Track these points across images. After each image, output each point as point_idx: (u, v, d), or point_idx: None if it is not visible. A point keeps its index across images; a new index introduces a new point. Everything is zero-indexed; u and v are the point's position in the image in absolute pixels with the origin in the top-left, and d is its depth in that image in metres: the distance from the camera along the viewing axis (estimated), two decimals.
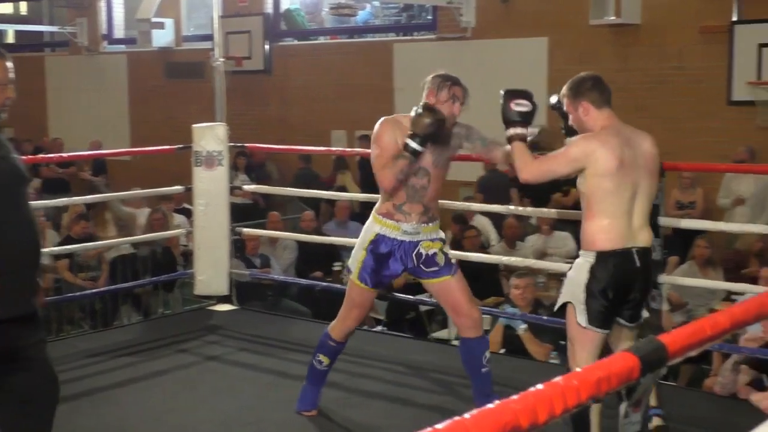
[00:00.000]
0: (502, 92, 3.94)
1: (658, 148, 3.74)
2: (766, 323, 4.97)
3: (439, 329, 7.09)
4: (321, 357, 4.41)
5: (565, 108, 3.82)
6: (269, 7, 12.88)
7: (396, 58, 11.69)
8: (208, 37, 7.37)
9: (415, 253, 4.10)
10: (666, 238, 5.45)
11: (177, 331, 5.95)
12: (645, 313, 3.80)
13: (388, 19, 12.57)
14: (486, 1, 10.69)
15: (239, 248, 7.51)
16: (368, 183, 9.88)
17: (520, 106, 3.83)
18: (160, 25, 13.27)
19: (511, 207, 7.53)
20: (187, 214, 8.64)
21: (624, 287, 3.61)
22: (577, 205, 9.65)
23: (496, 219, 8.83)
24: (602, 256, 3.59)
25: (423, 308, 7.12)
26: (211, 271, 6.34)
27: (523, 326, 5.88)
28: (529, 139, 3.86)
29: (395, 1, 11.96)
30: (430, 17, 11.67)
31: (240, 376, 5.12)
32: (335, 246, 8.05)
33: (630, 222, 3.61)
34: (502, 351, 6.05)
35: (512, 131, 3.84)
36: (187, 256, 7.72)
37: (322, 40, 13.05)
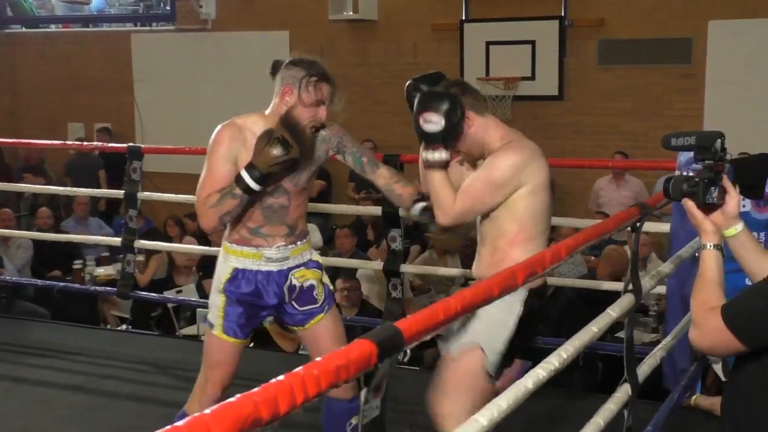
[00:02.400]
0: (416, 94, 2.96)
1: None
2: None
3: (187, 326, 6.99)
4: None
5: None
6: None
7: (134, 49, 11.35)
8: None
9: (287, 285, 3.24)
10: (407, 228, 5.67)
11: None
12: None
13: (125, 9, 12.17)
14: None
15: None
16: (110, 179, 9.58)
17: (428, 123, 2.84)
18: None
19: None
20: None
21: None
22: (319, 198, 9.71)
23: None
24: (534, 296, 2.88)
25: (170, 305, 6.98)
26: None
27: (269, 318, 5.89)
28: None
29: None
30: (168, 8, 11.43)
31: None
32: (75, 244, 7.74)
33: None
34: (251, 345, 6.06)
35: (427, 155, 2.88)
36: None
37: (54, 28, 12.43)
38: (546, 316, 2.81)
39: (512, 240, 2.87)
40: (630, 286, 2.90)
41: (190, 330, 6.82)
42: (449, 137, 2.84)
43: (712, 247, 2.23)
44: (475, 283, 1.94)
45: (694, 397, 4.23)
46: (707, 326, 2.06)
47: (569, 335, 2.58)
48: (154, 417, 4.33)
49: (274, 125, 3.01)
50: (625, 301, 2.83)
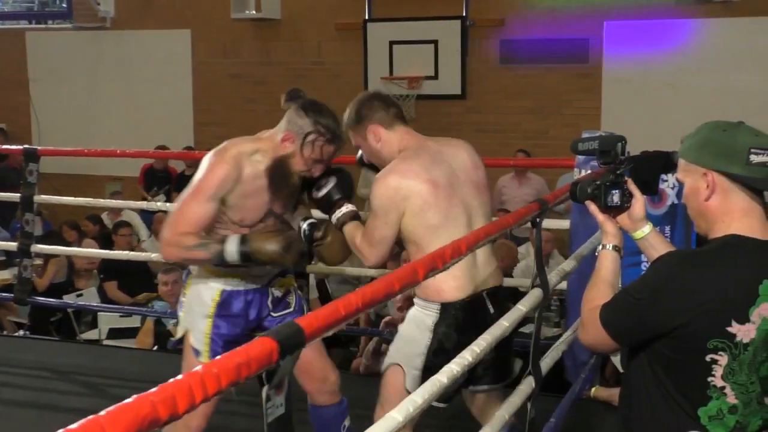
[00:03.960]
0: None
1: (478, 156, 3.13)
2: (397, 313, 5.31)
3: (87, 330, 6.84)
4: None
5: (354, 142, 3.12)
6: None
7: (29, 48, 11.06)
8: None
9: (270, 300, 3.15)
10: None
11: None
12: (517, 367, 3.15)
13: (19, 6, 11.84)
14: None
15: None
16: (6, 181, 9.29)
17: (320, 189, 3.09)
18: None
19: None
20: None
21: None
22: None
23: (145, 214, 8.69)
24: (448, 309, 2.88)
25: (70, 309, 6.82)
26: None
27: (174, 321, 5.84)
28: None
29: None
30: (65, 5, 11.16)
31: None
32: None
33: (474, 258, 2.89)
34: (155, 348, 5.98)
35: (338, 213, 3.07)
36: None
37: None
38: (481, 326, 2.67)
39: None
40: (537, 281, 2.95)
41: (91, 334, 6.68)
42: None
43: (610, 248, 2.29)
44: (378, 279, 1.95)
45: (593, 389, 4.34)
46: (589, 324, 2.13)
47: None
48: (54, 424, 4.20)
49: (267, 158, 2.94)
50: (534, 296, 2.88)
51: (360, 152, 3.19)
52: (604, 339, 2.07)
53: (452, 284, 2.85)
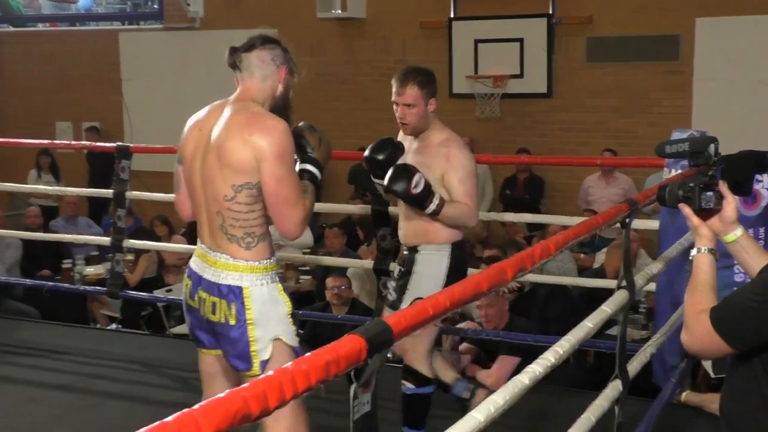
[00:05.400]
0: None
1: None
2: (481, 308, 5.27)
3: (177, 325, 6.97)
4: None
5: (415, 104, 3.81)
6: None
7: (122, 48, 11.33)
8: None
9: None
10: (396, 226, 5.65)
11: None
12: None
13: (112, 7, 12.14)
14: None
15: None
16: (99, 178, 9.54)
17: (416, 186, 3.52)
18: None
19: None
20: None
21: None
22: None
23: None
24: (457, 248, 3.67)
25: (160, 304, 6.97)
26: None
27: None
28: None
29: None
30: (156, 6, 11.41)
31: None
32: (64, 243, 7.73)
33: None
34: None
35: (435, 202, 3.50)
36: None
37: (41, 27, 12.40)
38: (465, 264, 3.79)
39: None
40: (623, 283, 2.90)
41: (180, 329, 6.80)
42: None
43: (706, 251, 2.22)
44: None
45: (684, 393, 4.25)
46: (697, 329, 2.05)
47: (558, 331, 2.58)
48: (143, 416, 4.29)
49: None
50: (619, 298, 2.83)
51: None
52: (716, 344, 2.00)
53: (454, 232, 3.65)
